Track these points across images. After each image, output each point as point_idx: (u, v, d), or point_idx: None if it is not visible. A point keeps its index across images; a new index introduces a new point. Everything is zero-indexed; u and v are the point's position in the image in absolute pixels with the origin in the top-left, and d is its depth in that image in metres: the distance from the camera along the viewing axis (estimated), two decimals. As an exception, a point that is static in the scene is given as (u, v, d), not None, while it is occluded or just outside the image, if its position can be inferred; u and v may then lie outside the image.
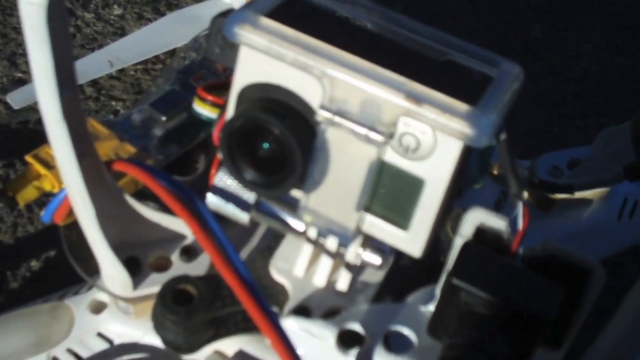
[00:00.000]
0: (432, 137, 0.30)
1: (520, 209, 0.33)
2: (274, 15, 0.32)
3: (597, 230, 0.53)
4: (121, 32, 0.83)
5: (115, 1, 0.86)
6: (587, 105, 0.82)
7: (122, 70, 0.78)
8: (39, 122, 0.73)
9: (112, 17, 0.84)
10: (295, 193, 0.34)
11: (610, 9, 0.93)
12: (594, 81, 0.84)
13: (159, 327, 0.38)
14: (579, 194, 0.51)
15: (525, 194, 0.53)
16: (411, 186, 0.32)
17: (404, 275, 0.40)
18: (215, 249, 0.36)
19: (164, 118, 0.48)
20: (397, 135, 0.31)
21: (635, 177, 0.47)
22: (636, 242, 0.55)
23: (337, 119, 0.31)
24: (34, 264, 0.63)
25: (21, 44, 0.81)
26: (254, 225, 0.40)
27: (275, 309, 0.39)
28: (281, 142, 0.32)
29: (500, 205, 0.49)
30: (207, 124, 0.48)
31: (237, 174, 0.34)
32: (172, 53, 0.77)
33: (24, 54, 0.79)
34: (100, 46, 0.81)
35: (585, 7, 0.93)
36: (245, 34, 0.31)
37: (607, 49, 0.88)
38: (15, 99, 0.73)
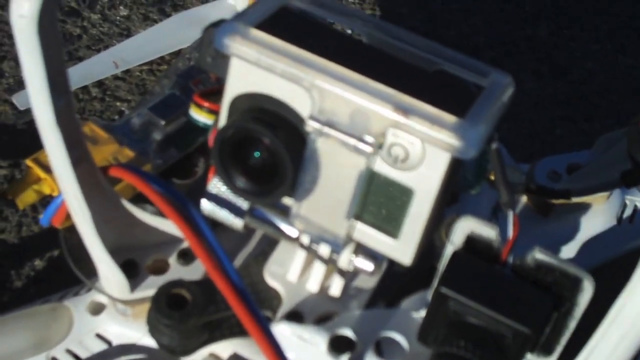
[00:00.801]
0: (420, 148, 0.30)
1: (510, 218, 0.33)
2: (264, 26, 0.32)
3: (597, 235, 0.53)
4: (127, 33, 0.83)
5: (121, 2, 0.86)
6: (591, 107, 0.81)
7: (127, 71, 0.78)
8: (45, 122, 0.74)
9: (118, 18, 0.85)
10: (287, 201, 0.35)
11: (616, 9, 0.92)
12: (598, 82, 0.84)
13: (153, 330, 0.39)
14: (576, 200, 0.50)
15: (524, 199, 0.53)
16: (400, 196, 0.32)
17: (397, 281, 0.40)
18: (207, 255, 0.36)
19: (162, 122, 0.49)
20: (386, 146, 0.31)
21: (630, 184, 0.47)
22: (638, 246, 0.55)
23: (327, 129, 0.31)
24: (38, 264, 0.64)
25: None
26: (248, 230, 0.40)
27: (268, 314, 0.39)
28: (272, 152, 0.32)
29: (498, 210, 0.49)
30: (206, 129, 0.48)
31: (229, 182, 0.34)
32: (177, 54, 0.77)
33: (31, 55, 0.80)
34: (106, 47, 0.81)
35: (591, 8, 0.92)
36: (235, 46, 0.31)
37: (613, 49, 0.88)
38: (21, 99, 0.74)
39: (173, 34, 0.80)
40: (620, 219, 0.53)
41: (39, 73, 0.33)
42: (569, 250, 0.52)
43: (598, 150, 0.54)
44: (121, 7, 0.85)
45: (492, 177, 0.46)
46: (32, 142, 0.70)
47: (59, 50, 0.34)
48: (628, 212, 0.54)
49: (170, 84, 0.52)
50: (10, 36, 0.82)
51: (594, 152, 0.54)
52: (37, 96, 0.34)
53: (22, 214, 0.67)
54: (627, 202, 0.54)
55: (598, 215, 0.53)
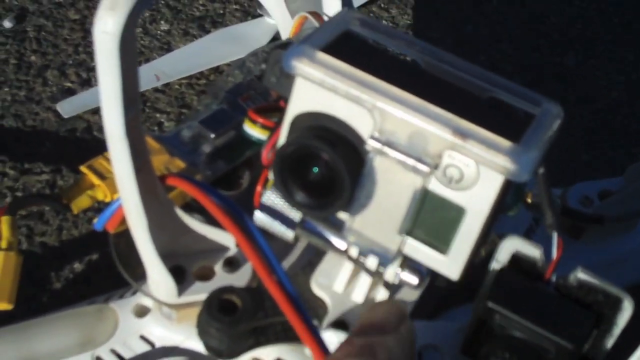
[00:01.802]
0: (475, 170, 0.32)
1: (554, 239, 0.35)
2: (329, 50, 0.34)
3: (626, 259, 0.55)
4: (167, 47, 0.85)
5: (162, 17, 0.88)
6: (617, 136, 0.83)
7: (167, 84, 0.80)
8: (86, 130, 0.76)
9: (158, 32, 0.87)
10: (341, 215, 0.36)
11: (643, 41, 0.94)
12: (624, 111, 0.85)
13: (203, 333, 0.40)
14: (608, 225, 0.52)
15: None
16: (453, 214, 0.33)
17: (439, 294, 0.41)
18: (261, 263, 0.38)
19: (212, 135, 0.50)
20: (441, 167, 0.32)
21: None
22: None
23: (386, 149, 0.33)
24: (77, 266, 0.66)
25: (71, 55, 0.83)
26: (296, 241, 0.42)
27: (314, 322, 0.41)
28: (331, 168, 0.34)
29: (531, 232, 0.51)
30: (254, 143, 0.50)
31: (287, 196, 0.36)
32: (215, 69, 0.79)
33: (74, 64, 0.82)
34: (147, 60, 0.83)
35: (618, 39, 0.94)
36: (301, 67, 0.33)
37: (638, 80, 0.89)
38: (65, 108, 0.76)
39: (213, 50, 0.81)
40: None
41: (116, 87, 0.34)
42: (598, 273, 0.54)
43: (628, 178, 0.56)
44: (162, 22, 0.88)
45: (529, 200, 0.48)
46: (74, 149, 0.72)
47: (135, 64, 0.35)
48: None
49: (213, 100, 0.54)
50: (54, 45, 0.84)
51: (624, 180, 0.56)
52: (110, 108, 0.35)
53: (63, 218, 0.69)
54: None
55: (627, 240, 0.54)
